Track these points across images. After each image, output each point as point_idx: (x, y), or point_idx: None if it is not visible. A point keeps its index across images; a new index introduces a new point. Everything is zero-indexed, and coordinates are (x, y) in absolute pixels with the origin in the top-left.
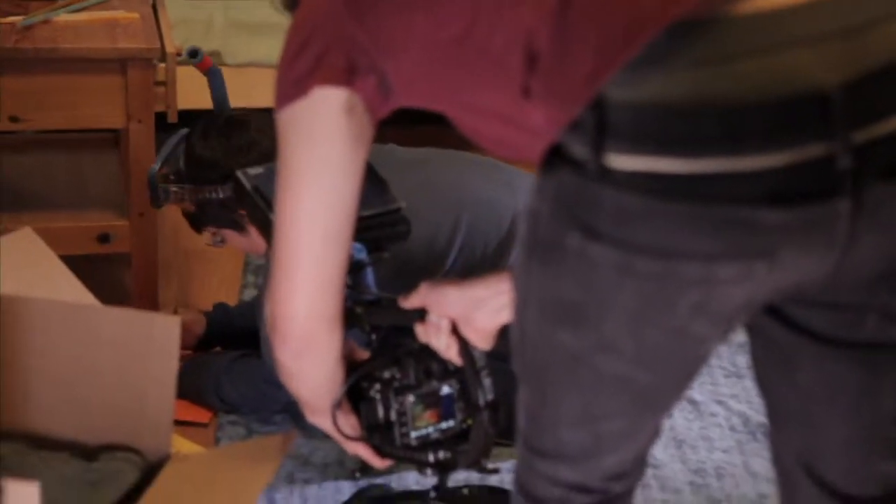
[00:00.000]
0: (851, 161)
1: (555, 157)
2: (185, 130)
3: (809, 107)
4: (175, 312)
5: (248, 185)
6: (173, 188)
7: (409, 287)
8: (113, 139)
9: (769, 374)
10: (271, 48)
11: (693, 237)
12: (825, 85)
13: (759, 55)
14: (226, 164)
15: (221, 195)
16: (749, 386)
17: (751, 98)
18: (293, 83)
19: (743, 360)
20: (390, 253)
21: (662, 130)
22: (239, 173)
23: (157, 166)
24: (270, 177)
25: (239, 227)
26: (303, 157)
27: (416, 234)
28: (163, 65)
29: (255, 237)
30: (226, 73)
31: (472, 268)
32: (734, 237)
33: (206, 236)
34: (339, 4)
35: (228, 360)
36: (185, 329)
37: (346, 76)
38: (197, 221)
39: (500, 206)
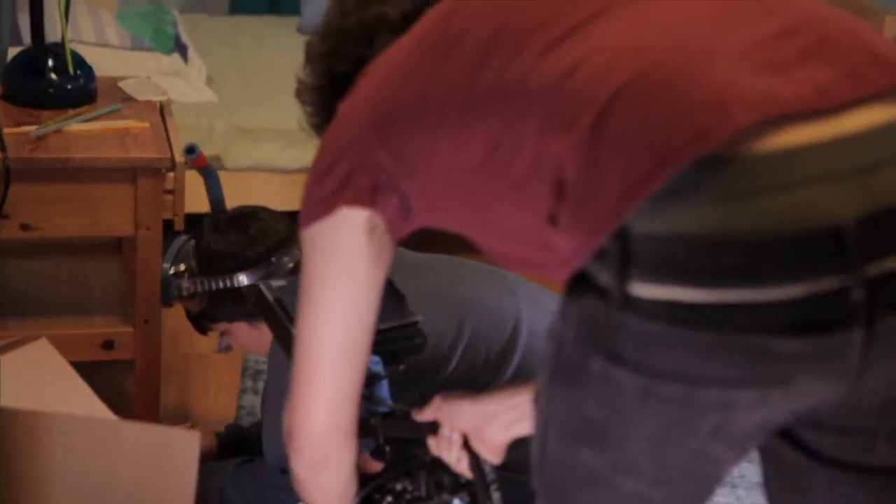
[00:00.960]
0: (864, 294)
1: (579, 283)
2: (185, 237)
3: (825, 241)
4: (192, 427)
5: (270, 297)
6: (186, 283)
7: (411, 390)
8: (115, 243)
9: (781, 497)
10: (270, 153)
11: (714, 364)
12: (840, 220)
13: (779, 192)
14: (242, 252)
15: (236, 284)
16: (742, 495)
17: (771, 233)
18: (320, 202)
19: (735, 469)
20: (406, 365)
21: (685, 262)
22: (261, 284)
23: (168, 265)
24: (292, 290)
25: (252, 318)
26: (325, 273)
27: None
28: (172, 173)
29: (265, 331)
30: (226, 176)
31: (474, 371)
32: (753, 364)
33: (213, 343)
34: (367, 127)
35: (233, 465)
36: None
37: (370, 197)
38: (205, 319)
39: (503, 312)
